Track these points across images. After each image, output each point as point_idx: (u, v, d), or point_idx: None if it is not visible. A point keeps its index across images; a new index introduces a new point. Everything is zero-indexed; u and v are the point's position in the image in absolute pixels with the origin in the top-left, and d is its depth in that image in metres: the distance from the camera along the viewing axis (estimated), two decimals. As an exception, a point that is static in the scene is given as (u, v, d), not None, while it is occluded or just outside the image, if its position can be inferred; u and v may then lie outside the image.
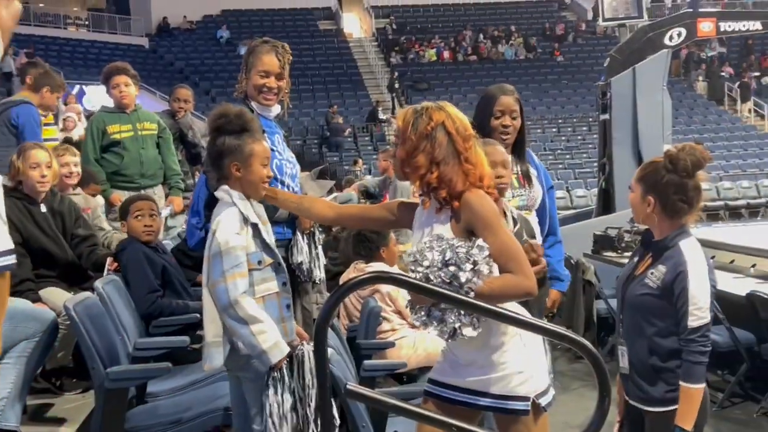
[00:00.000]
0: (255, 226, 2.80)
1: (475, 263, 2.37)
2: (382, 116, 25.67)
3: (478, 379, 2.55)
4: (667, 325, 2.84)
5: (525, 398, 2.51)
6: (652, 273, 2.89)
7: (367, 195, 7.88)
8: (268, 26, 30.16)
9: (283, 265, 2.90)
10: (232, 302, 2.67)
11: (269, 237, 2.87)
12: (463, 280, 2.35)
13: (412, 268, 2.43)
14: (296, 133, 24.12)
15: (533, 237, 3.20)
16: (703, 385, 2.82)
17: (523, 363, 2.53)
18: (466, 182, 2.48)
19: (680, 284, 2.80)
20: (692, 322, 2.78)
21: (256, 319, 2.68)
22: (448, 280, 2.37)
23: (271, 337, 2.69)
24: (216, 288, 2.70)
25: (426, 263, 2.40)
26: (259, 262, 2.78)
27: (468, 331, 2.40)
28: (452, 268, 2.36)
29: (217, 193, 2.85)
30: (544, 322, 2.34)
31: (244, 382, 2.84)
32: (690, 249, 2.85)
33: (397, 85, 27.29)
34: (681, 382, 2.80)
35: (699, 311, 2.78)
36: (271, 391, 2.72)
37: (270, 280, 2.81)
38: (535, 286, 2.44)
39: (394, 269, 4.70)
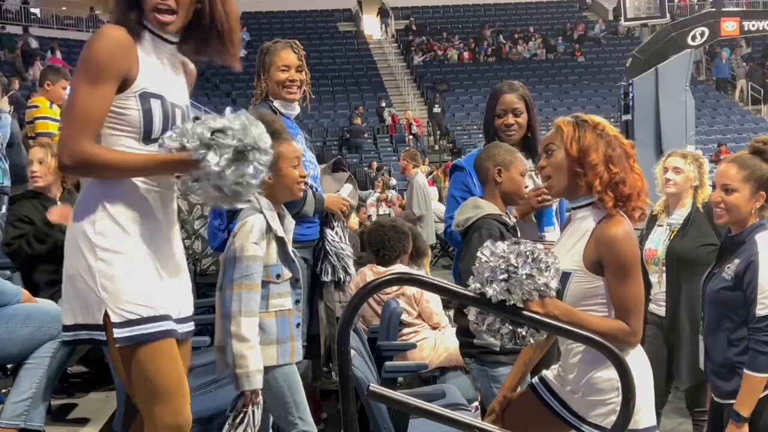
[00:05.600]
0: (281, 240, 2.73)
1: (555, 274, 2.30)
2: (387, 120, 25.36)
3: (568, 393, 2.52)
4: (744, 317, 2.87)
5: (600, 428, 2.42)
6: (728, 267, 2.93)
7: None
8: (289, 28, 30.24)
9: (301, 281, 2.84)
10: (232, 313, 2.62)
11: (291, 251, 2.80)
12: (540, 281, 2.24)
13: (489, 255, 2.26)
14: (316, 134, 24.15)
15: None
16: (766, 375, 2.81)
17: (616, 398, 2.39)
18: (634, 188, 2.42)
19: (751, 273, 2.83)
20: (760, 310, 2.81)
21: (245, 339, 2.60)
22: (523, 274, 2.22)
23: (250, 364, 2.59)
24: (223, 294, 2.67)
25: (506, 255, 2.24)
26: (278, 276, 2.71)
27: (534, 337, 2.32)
28: (535, 269, 2.23)
29: None
30: (565, 324, 2.30)
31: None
32: (764, 240, 2.89)
33: (437, 110, 25.33)
34: (745, 369, 2.82)
35: (767, 300, 2.80)
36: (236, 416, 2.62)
37: (285, 296, 2.74)
38: (638, 342, 2.41)
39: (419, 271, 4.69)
